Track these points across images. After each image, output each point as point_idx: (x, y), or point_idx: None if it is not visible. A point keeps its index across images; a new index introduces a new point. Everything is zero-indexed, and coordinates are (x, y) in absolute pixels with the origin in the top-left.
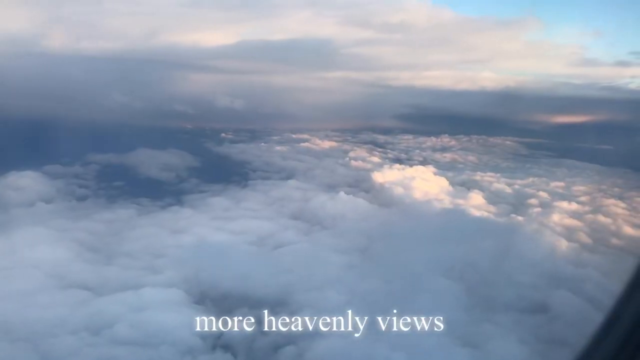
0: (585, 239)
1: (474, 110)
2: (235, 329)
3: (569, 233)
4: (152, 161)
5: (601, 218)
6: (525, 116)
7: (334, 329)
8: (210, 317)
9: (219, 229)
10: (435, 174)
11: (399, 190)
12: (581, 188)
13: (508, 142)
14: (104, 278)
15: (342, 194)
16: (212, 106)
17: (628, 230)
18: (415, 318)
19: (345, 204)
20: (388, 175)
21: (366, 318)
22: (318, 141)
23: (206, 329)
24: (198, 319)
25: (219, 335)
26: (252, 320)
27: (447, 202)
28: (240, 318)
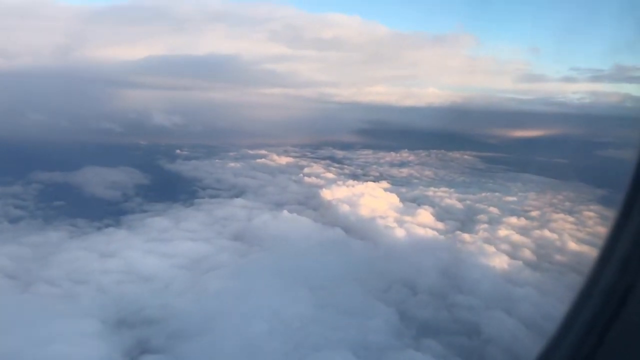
0: (529, 255)
1: (433, 125)
2: None
3: (513, 250)
4: (99, 179)
5: (547, 234)
6: (482, 131)
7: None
8: (122, 351)
9: (151, 252)
10: (387, 190)
11: (345, 208)
12: (533, 202)
13: (466, 157)
14: (16, 308)
15: (285, 212)
16: (144, 123)
17: (572, 245)
18: (339, 347)
19: (288, 222)
20: (337, 192)
21: (287, 347)
22: (275, 157)
23: None
24: (108, 352)
25: None
26: (167, 352)
27: (393, 219)
28: (155, 350)
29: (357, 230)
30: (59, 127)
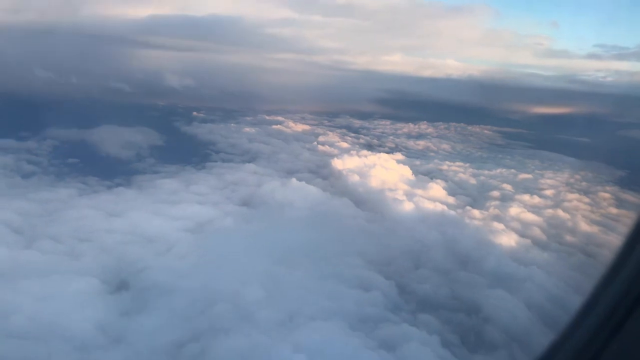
0: (539, 234)
1: (453, 97)
2: (143, 322)
3: (523, 228)
4: (114, 138)
5: (560, 213)
6: (502, 105)
7: (244, 326)
8: (118, 310)
9: (158, 214)
10: (401, 161)
11: (355, 179)
12: (548, 181)
13: (486, 131)
14: (18, 263)
15: (294, 180)
16: (156, 84)
17: (584, 226)
18: (334, 318)
19: (296, 191)
20: (348, 162)
21: (281, 315)
22: (291, 124)
23: (111, 322)
24: (105, 311)
25: (123, 329)
26: (164, 313)
27: (403, 192)
28: (152, 311)
29: (365, 202)
30: (70, 85)
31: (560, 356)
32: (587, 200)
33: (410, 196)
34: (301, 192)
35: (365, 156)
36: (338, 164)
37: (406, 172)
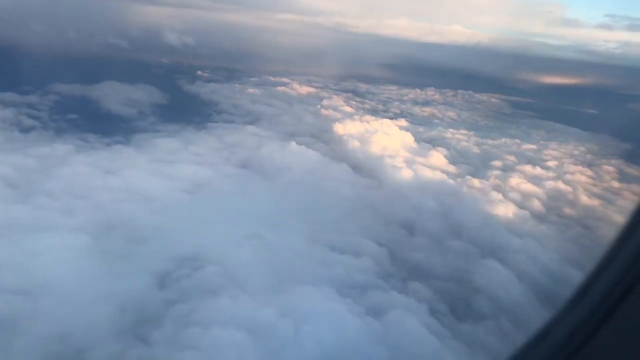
0: (538, 206)
1: (461, 64)
2: (132, 282)
3: (522, 199)
4: (117, 95)
5: (561, 185)
6: (511, 74)
7: (232, 288)
8: (108, 269)
9: (154, 173)
10: (404, 128)
11: (355, 144)
12: (552, 152)
13: (493, 100)
14: (11, 218)
15: (293, 144)
16: (159, 41)
17: (584, 199)
18: (323, 284)
19: (295, 154)
20: (350, 127)
21: (270, 279)
22: (296, 86)
23: (101, 279)
24: (95, 268)
25: (112, 287)
26: (153, 273)
27: (403, 159)
28: (141, 271)
29: (364, 168)
30: (67, 40)
31: (554, 336)
32: (589, 173)
33: (410, 163)
34: (300, 156)
35: (368, 122)
36: (339, 128)
37: (408, 139)
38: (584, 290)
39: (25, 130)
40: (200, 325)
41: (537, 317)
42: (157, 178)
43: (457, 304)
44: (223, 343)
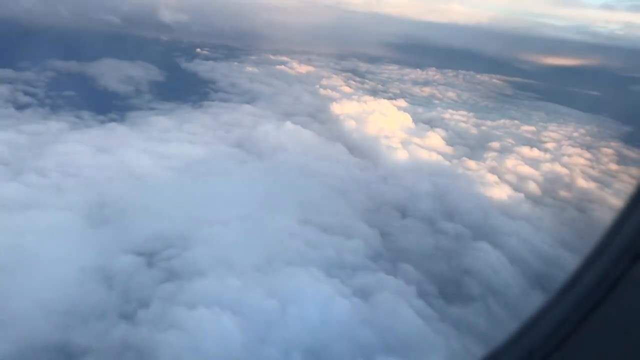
0: (533, 188)
1: (463, 44)
2: (121, 261)
3: (518, 181)
4: (114, 72)
5: (558, 167)
6: (513, 55)
7: (220, 269)
8: (98, 247)
9: (147, 151)
10: (402, 108)
11: (351, 125)
12: (551, 134)
13: (495, 81)
14: (0, 195)
15: (288, 123)
16: (152, 18)
17: (581, 182)
18: (311, 264)
19: (289, 134)
20: (347, 108)
21: (258, 260)
22: (296, 65)
23: (88, 258)
24: (83, 247)
25: (100, 266)
26: (142, 253)
27: (399, 139)
28: (130, 250)
29: (359, 149)
30: (58, 15)
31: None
32: (588, 155)
33: (406, 144)
34: (295, 136)
35: (366, 102)
36: (336, 108)
37: (406, 119)
38: (575, 279)
39: (20, 107)
40: (186, 305)
41: (526, 300)
42: (149, 157)
43: (446, 286)
44: (207, 324)
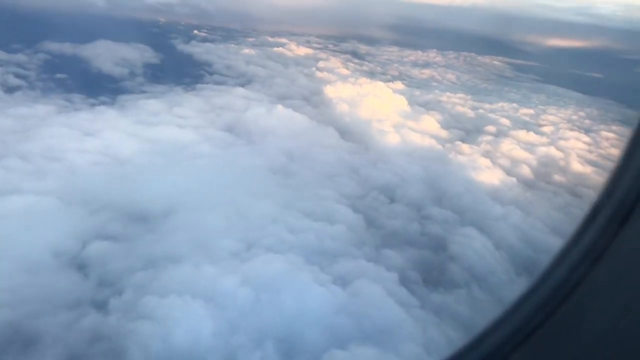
0: (527, 173)
1: (464, 26)
2: (98, 248)
3: (511, 165)
4: (108, 54)
5: (553, 151)
6: (515, 36)
7: (197, 255)
8: (75, 233)
9: (134, 135)
10: (400, 91)
11: (344, 108)
12: (550, 117)
13: (496, 62)
14: None
15: (280, 107)
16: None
17: (577, 166)
18: (291, 251)
19: (280, 118)
20: (341, 90)
21: (237, 246)
22: (294, 47)
23: (66, 245)
24: (61, 233)
25: (77, 253)
26: (120, 239)
27: (393, 123)
28: (109, 236)
29: (351, 132)
30: None
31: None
32: (586, 139)
33: (398, 128)
34: (286, 119)
35: (361, 85)
36: (330, 91)
37: (401, 102)
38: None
39: (10, 90)
40: (158, 294)
41: (510, 286)
42: (135, 140)
43: (430, 273)
44: (178, 312)
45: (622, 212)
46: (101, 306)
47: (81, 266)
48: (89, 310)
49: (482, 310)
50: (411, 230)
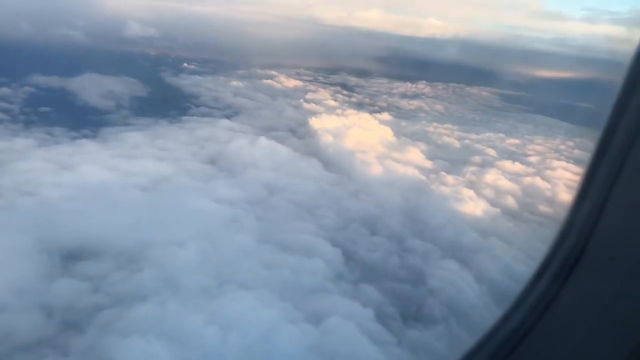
0: (511, 203)
1: (452, 57)
2: (66, 285)
3: (496, 196)
4: (95, 87)
5: (539, 182)
6: (502, 67)
7: (166, 293)
8: (44, 270)
9: (112, 169)
10: (386, 122)
11: (328, 139)
12: (537, 147)
13: (484, 93)
14: None
15: (263, 139)
16: (116, 32)
17: (564, 197)
18: (265, 287)
19: (263, 150)
20: (326, 122)
21: (209, 282)
22: (283, 79)
23: (31, 283)
24: (27, 271)
25: (43, 291)
26: (89, 277)
27: (377, 154)
28: (78, 273)
29: (334, 164)
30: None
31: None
32: (574, 169)
33: (383, 159)
34: (269, 151)
35: (347, 116)
36: (316, 123)
37: (387, 133)
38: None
39: None
40: (121, 334)
41: (490, 321)
42: (113, 174)
43: (408, 308)
44: (139, 353)
45: (566, 268)
46: (61, 348)
47: (48, 306)
48: (47, 352)
49: (460, 347)
50: (390, 263)
